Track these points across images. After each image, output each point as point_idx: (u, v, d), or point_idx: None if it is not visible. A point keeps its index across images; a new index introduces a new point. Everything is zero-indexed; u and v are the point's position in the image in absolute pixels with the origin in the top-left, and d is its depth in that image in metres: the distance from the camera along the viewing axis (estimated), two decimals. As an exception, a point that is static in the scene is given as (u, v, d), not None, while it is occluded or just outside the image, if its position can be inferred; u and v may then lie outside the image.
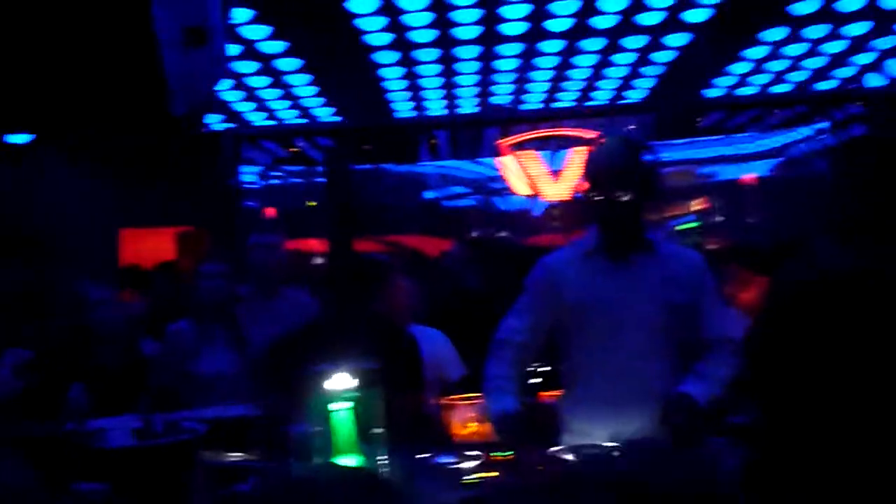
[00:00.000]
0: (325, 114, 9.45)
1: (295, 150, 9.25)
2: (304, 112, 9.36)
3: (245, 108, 9.03)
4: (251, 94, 8.64)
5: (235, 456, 2.56)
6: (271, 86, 8.44)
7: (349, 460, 1.84)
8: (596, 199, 2.93)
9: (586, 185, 2.97)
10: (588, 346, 3.02)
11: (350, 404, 1.83)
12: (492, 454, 2.82)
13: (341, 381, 1.89)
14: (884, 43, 7.94)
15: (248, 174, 9.35)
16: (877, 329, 1.09)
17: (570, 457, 2.68)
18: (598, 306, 2.98)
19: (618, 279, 3.00)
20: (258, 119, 9.44)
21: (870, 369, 1.07)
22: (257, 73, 7.99)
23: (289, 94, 8.77)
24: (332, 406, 1.83)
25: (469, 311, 4.26)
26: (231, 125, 9.08)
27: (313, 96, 8.88)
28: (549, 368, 4.25)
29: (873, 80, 8.63)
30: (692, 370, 2.94)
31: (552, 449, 2.80)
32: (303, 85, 8.50)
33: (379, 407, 1.94)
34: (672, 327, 2.97)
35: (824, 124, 9.72)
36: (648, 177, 2.96)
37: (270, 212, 10.50)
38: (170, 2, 1.96)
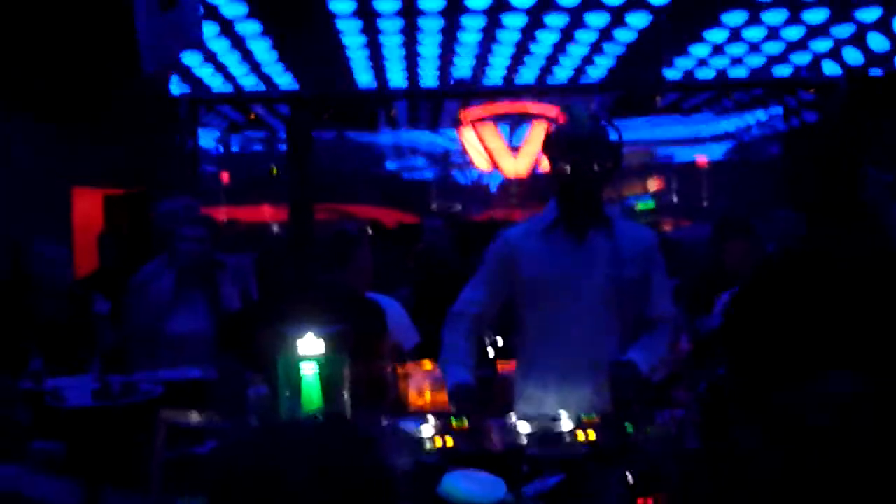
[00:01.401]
0: (285, 81, 9.35)
1: (253, 116, 9.16)
2: (263, 78, 9.26)
3: (203, 72, 8.90)
4: (209, 58, 8.52)
5: (194, 417, 2.57)
6: (230, 49, 8.33)
7: (312, 421, 1.87)
8: (559, 170, 2.98)
9: (550, 157, 3.02)
10: (542, 318, 3.10)
11: (316, 366, 1.86)
12: (447, 422, 2.88)
13: (310, 342, 1.92)
14: (841, 31, 8.08)
15: (206, 139, 9.23)
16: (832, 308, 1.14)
17: (522, 427, 2.75)
18: (553, 280, 3.06)
19: (574, 254, 3.07)
20: (216, 84, 9.31)
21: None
22: (216, 37, 7.88)
23: (248, 59, 8.66)
24: (301, 368, 1.85)
25: (447, 283, 4.35)
26: (188, 89, 8.95)
27: (273, 62, 8.78)
28: (502, 341, 4.34)
29: (829, 68, 8.78)
30: (638, 342, 3.04)
31: (508, 417, 2.87)
32: (262, 50, 8.41)
33: (344, 370, 1.97)
34: (622, 302, 3.05)
35: (777, 109, 9.88)
36: (610, 152, 3.03)
37: (224, 177, 10.42)
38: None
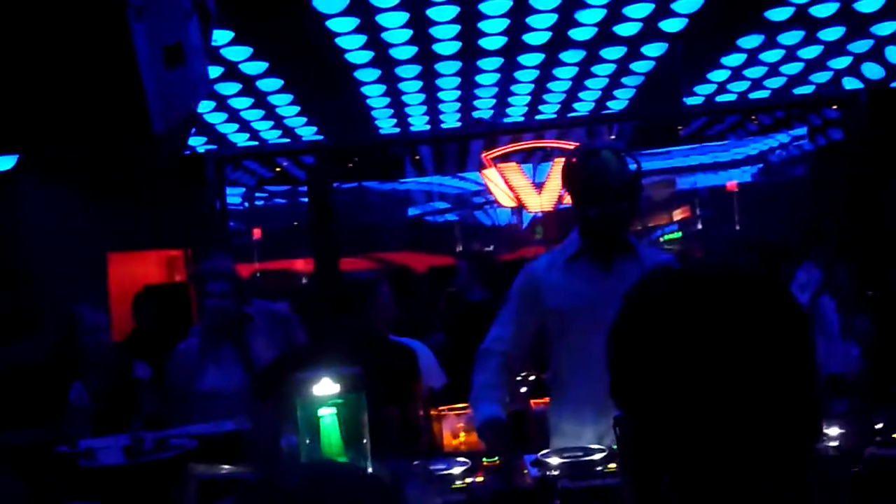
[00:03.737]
0: (308, 133, 9.48)
1: (279, 169, 9.27)
2: (287, 132, 9.40)
3: (227, 129, 9.05)
4: (233, 115, 8.67)
5: (226, 469, 2.57)
6: (253, 106, 8.47)
7: (337, 465, 1.86)
8: (583, 209, 2.98)
9: (574, 195, 3.02)
10: (571, 349, 3.07)
11: (334, 410, 1.85)
12: (481, 461, 2.85)
13: (325, 386, 1.92)
14: (858, 47, 8.04)
15: (234, 195, 9.35)
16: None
17: (554, 461, 2.71)
18: (579, 309, 3.03)
19: (599, 282, 3.05)
20: (241, 140, 9.46)
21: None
22: (238, 94, 8.02)
23: (270, 114, 8.80)
24: (318, 412, 1.85)
25: (477, 324, 4.38)
26: (213, 147, 9.10)
27: (295, 116, 8.91)
28: (534, 377, 4.31)
29: (849, 84, 8.73)
30: None
31: (541, 452, 2.83)
32: (284, 105, 8.54)
33: (363, 412, 1.96)
34: None
35: (801, 130, 9.81)
36: (633, 189, 3.02)
37: (256, 233, 10.53)
38: (147, 20, 1.99)
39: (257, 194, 9.78)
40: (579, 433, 2.98)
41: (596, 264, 3.07)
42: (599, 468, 2.60)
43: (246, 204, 9.72)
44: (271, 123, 9.10)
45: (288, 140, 9.55)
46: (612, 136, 8.17)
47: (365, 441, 1.96)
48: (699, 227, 9.32)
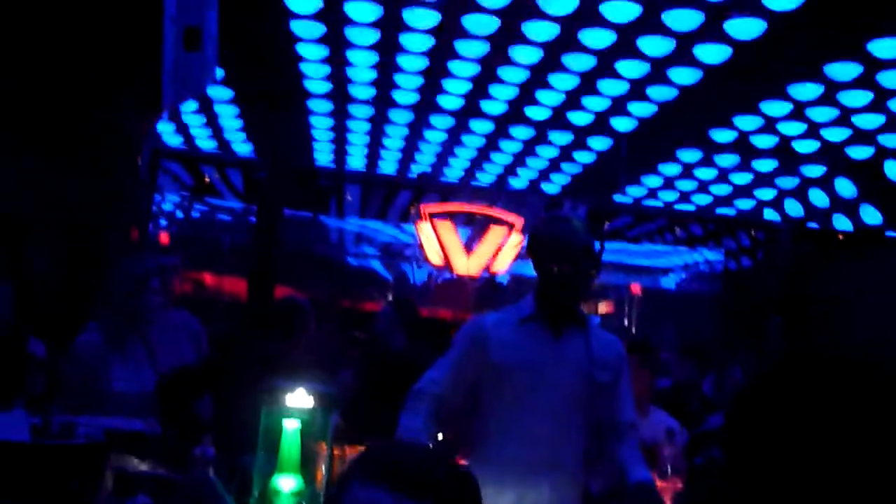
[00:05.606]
0: (244, 150, 9.35)
1: (207, 180, 9.10)
2: (223, 144, 9.24)
3: (164, 128, 8.84)
4: (173, 115, 8.48)
5: (141, 465, 2.45)
6: (196, 111, 8.32)
7: (290, 480, 1.80)
8: (548, 272, 3.02)
9: (540, 258, 3.06)
10: (505, 406, 3.06)
11: (299, 424, 1.80)
12: None
13: (298, 398, 1.87)
14: (785, 182, 8.49)
15: (166, 201, 9.12)
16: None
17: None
18: (523, 368, 3.04)
19: (548, 346, 3.07)
20: (174, 143, 9.25)
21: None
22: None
23: (211, 122, 8.65)
24: (283, 423, 1.80)
25: (395, 371, 4.34)
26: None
27: (237, 130, 8.79)
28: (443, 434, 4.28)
29: (769, 215, 9.18)
30: (618, 452, 3.02)
31: None
32: (229, 116, 8.42)
33: (327, 432, 1.91)
34: (591, 403, 3.05)
35: (718, 252, 10.23)
36: (594, 256, 3.10)
37: (164, 238, 10.23)
38: (180, 2, 1.97)
39: (196, 204, 9.55)
40: (498, 496, 2.96)
41: (546, 329, 3.10)
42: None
43: (179, 213, 9.49)
44: (209, 132, 8.94)
45: (220, 153, 9.39)
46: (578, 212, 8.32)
47: (321, 459, 1.91)
48: (624, 324, 9.55)
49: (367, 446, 1.25)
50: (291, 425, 1.78)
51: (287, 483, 1.80)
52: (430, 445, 3.04)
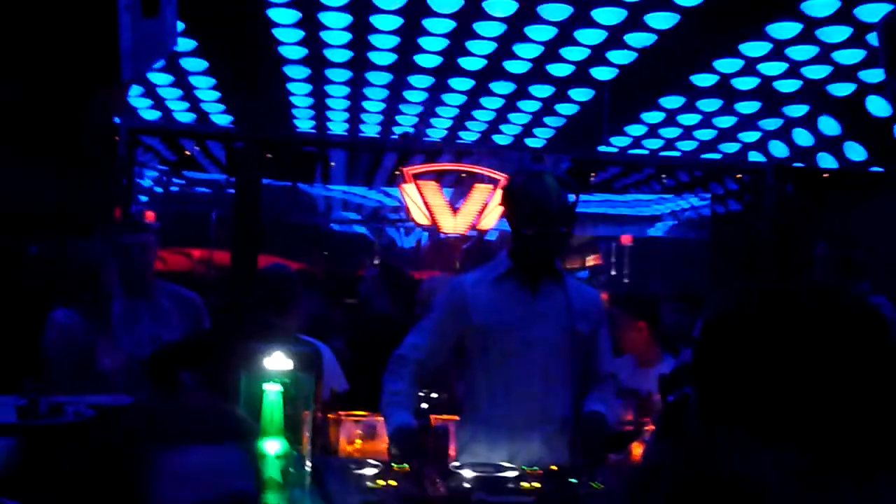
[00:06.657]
0: (223, 121, 9.26)
1: (188, 153, 9.00)
2: (202, 116, 9.14)
3: (140, 103, 8.74)
4: (149, 91, 8.38)
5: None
6: (172, 85, 8.22)
7: (274, 443, 1.79)
8: (521, 230, 3.00)
9: (514, 217, 3.03)
10: (492, 367, 3.06)
11: (280, 387, 1.78)
12: (391, 466, 2.80)
13: (276, 361, 1.85)
14: (769, 124, 8.45)
15: (145, 177, 9.03)
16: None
17: (468, 474, 2.69)
18: (504, 328, 3.04)
19: (526, 304, 3.06)
20: (151, 117, 9.14)
21: None
22: (159, 70, 7.76)
23: (189, 96, 8.55)
24: (264, 387, 1.78)
25: (379, 335, 4.33)
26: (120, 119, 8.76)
27: (214, 101, 8.69)
28: (436, 395, 4.28)
29: (755, 158, 9.14)
30: (591, 395, 3.03)
31: (452, 464, 2.80)
32: (205, 88, 8.31)
33: (310, 394, 1.89)
34: (574, 355, 3.05)
35: (704, 197, 10.18)
36: (572, 215, 3.06)
37: (150, 216, 10.13)
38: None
39: (175, 179, 9.46)
40: (490, 453, 2.96)
41: (523, 285, 3.09)
42: (512, 486, 2.59)
43: (158, 188, 9.40)
44: (187, 105, 8.84)
45: (200, 125, 9.28)
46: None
47: (305, 423, 1.89)
48: (612, 273, 9.53)
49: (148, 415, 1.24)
50: (272, 389, 1.76)
51: (272, 446, 1.79)
52: (416, 408, 3.05)
